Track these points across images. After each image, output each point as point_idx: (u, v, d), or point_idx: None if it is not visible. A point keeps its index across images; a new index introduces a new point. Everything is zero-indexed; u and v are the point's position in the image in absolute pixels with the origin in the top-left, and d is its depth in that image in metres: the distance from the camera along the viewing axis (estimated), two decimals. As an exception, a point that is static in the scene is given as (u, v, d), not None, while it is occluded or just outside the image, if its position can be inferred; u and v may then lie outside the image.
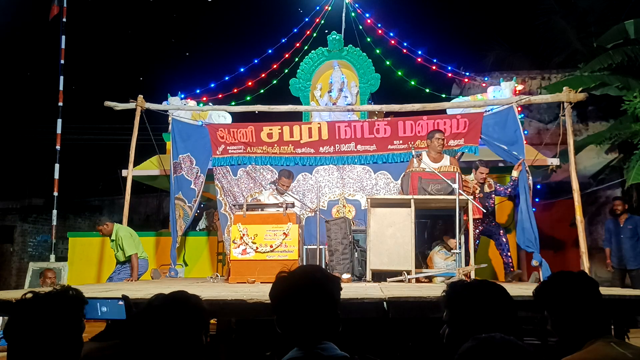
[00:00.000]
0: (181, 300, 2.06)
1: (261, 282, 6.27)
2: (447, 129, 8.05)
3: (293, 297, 1.98)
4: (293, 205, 7.03)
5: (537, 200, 11.40)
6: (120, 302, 2.25)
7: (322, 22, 10.77)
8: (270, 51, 10.63)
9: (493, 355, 1.53)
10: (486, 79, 11.34)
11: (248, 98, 10.26)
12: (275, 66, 10.52)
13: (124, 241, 7.49)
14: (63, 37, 10.41)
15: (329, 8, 10.74)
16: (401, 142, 8.21)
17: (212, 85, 10.34)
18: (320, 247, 7.03)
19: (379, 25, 10.74)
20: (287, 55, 10.52)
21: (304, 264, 6.94)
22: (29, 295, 1.97)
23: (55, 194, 9.94)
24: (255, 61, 10.65)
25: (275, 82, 10.53)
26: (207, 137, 8.57)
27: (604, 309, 2.32)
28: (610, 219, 9.20)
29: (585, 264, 6.87)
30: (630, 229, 8.65)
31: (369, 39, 10.59)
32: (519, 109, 8.45)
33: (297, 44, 10.59)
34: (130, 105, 8.37)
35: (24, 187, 16.65)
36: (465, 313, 2.23)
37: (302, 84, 10.11)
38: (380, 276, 6.25)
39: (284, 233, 6.64)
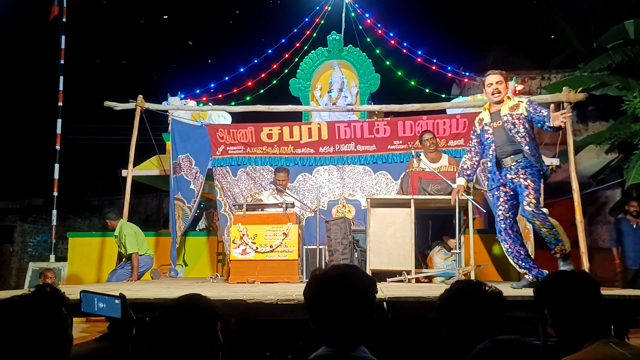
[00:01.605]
0: (190, 303, 2.06)
1: (261, 282, 6.28)
2: (446, 129, 8.06)
3: (329, 298, 1.94)
4: (293, 205, 7.03)
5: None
6: (117, 301, 2.27)
7: (322, 22, 10.78)
8: (270, 51, 10.64)
9: (507, 357, 1.53)
10: (486, 79, 11.34)
11: (248, 98, 10.26)
12: (275, 66, 10.53)
13: (127, 239, 7.53)
14: (63, 37, 10.41)
15: (329, 8, 10.74)
16: (401, 142, 8.22)
17: (212, 85, 10.35)
18: (320, 247, 7.03)
19: (379, 25, 10.75)
20: (287, 55, 10.53)
21: (304, 263, 6.94)
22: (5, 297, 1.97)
23: (55, 194, 9.93)
24: (255, 61, 10.66)
25: (275, 82, 10.54)
26: (206, 138, 8.59)
27: (604, 310, 2.32)
28: (620, 219, 9.24)
29: (585, 264, 6.86)
30: None
31: (368, 39, 10.59)
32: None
33: (297, 44, 10.60)
34: (130, 105, 8.37)
35: (23, 187, 16.67)
36: (453, 318, 2.28)
37: (302, 84, 10.13)
38: (380, 276, 6.24)
39: (284, 233, 6.64)
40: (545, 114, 4.99)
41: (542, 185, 5.15)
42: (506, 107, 5.22)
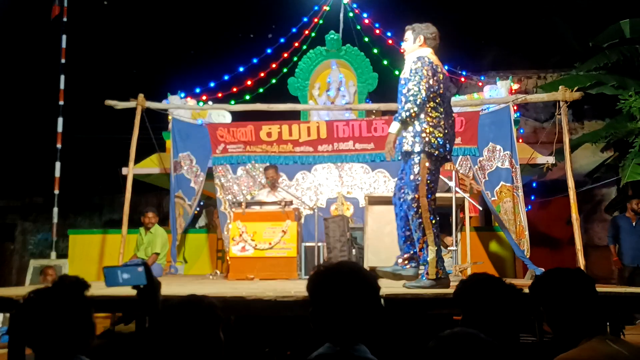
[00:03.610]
0: (193, 302, 2.15)
1: (260, 279, 6.35)
2: (443, 128, 8.13)
3: (337, 292, 1.93)
4: (292, 203, 7.10)
5: (532, 198, 11.49)
6: (140, 269, 2.35)
7: (321, 22, 10.83)
8: (269, 51, 10.69)
9: (456, 351, 1.58)
10: (482, 78, 11.41)
11: (247, 97, 10.32)
12: (274, 65, 10.58)
13: (159, 239, 7.82)
14: (64, 37, 10.47)
15: (328, 8, 10.80)
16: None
17: (212, 84, 10.39)
18: (319, 244, 7.10)
19: (377, 25, 10.81)
20: (285, 55, 10.58)
21: (302, 261, 7.02)
22: (32, 293, 2.07)
23: (56, 192, 10.00)
24: (255, 61, 10.70)
25: (274, 81, 10.59)
26: (206, 136, 8.66)
27: (600, 307, 2.33)
28: (619, 216, 9.33)
29: (581, 262, 6.93)
30: None
31: (366, 39, 10.66)
32: (515, 107, 8.54)
33: (296, 44, 10.64)
34: (130, 104, 8.41)
35: (24, 186, 16.69)
36: (474, 308, 2.34)
37: (301, 83, 10.20)
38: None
39: (283, 230, 6.72)
40: (406, 91, 4.49)
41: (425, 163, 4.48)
42: (403, 70, 4.78)
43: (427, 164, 4.46)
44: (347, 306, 1.92)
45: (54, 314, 1.98)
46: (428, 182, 4.45)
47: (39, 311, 1.99)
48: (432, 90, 4.51)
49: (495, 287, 2.40)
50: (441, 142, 4.49)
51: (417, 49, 4.72)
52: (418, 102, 4.44)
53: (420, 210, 4.43)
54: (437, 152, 4.48)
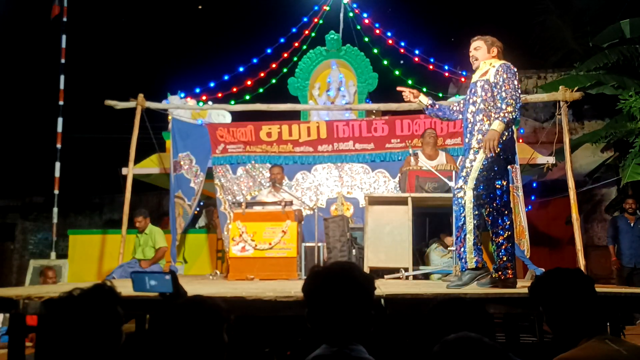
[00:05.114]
0: (197, 303, 2.15)
1: (260, 280, 6.35)
2: (444, 127, 8.14)
3: (330, 293, 1.96)
4: (292, 203, 7.11)
5: (532, 198, 11.50)
6: (167, 277, 2.37)
7: (321, 22, 10.85)
8: (269, 51, 10.70)
9: (461, 355, 1.58)
10: (483, 78, 11.38)
11: (247, 97, 10.32)
12: (274, 65, 10.59)
13: (157, 236, 7.85)
14: (64, 37, 10.48)
15: (328, 8, 10.82)
16: (399, 140, 8.30)
17: (212, 84, 10.40)
18: (319, 244, 7.10)
19: (377, 25, 10.83)
20: (285, 55, 10.59)
21: (302, 261, 7.03)
22: (66, 294, 2.06)
23: (56, 192, 10.01)
24: (255, 61, 10.71)
25: (274, 81, 10.60)
26: (206, 136, 8.66)
27: (600, 307, 2.33)
28: (617, 216, 9.35)
29: (581, 262, 6.93)
30: None
31: (366, 39, 10.67)
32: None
33: (296, 44, 10.65)
34: (130, 104, 8.41)
35: (24, 185, 16.74)
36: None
37: (301, 83, 10.19)
38: (377, 273, 6.32)
39: (283, 231, 6.71)
40: (500, 105, 4.62)
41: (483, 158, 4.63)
42: (478, 73, 4.88)
43: (484, 161, 4.60)
44: (338, 306, 1.94)
45: (89, 319, 1.97)
46: (478, 176, 4.60)
47: (72, 313, 1.98)
48: None
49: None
50: (504, 142, 4.62)
51: (490, 58, 4.86)
52: (518, 107, 4.63)
53: (464, 200, 4.64)
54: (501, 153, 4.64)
